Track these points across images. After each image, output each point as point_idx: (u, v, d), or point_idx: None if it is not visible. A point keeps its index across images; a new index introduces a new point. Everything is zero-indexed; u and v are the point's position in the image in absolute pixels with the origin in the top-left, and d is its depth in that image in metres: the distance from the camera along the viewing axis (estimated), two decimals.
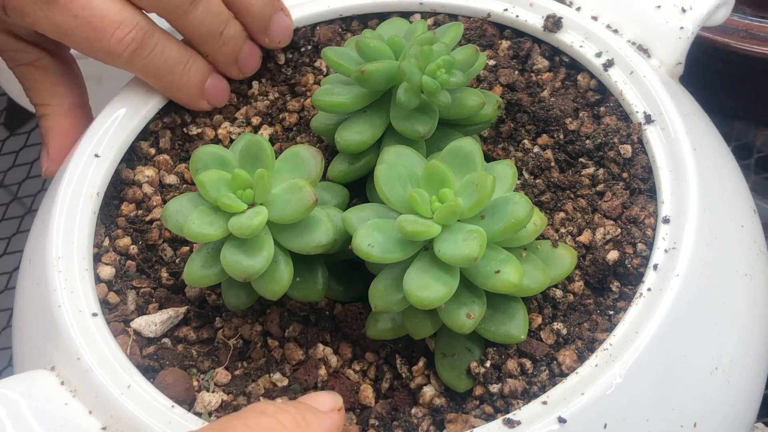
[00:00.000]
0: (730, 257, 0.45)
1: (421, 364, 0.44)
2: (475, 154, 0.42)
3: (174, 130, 0.52)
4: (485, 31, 0.53)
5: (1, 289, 0.73)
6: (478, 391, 0.43)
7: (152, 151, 0.51)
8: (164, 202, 0.50)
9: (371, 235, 0.41)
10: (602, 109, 0.50)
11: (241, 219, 0.42)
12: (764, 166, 0.66)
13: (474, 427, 0.40)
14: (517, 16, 0.53)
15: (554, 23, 0.52)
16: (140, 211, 0.50)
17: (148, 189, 0.50)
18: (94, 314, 0.44)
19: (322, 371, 0.45)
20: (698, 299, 0.43)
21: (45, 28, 0.48)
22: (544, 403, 0.40)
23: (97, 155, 0.49)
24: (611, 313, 0.44)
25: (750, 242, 0.47)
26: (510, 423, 0.40)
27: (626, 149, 0.48)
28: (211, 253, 0.43)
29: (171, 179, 0.51)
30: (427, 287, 0.40)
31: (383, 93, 0.46)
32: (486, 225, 0.41)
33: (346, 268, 0.46)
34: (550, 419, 0.39)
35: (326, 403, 0.38)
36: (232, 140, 0.52)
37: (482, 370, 0.43)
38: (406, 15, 0.54)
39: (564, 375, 0.42)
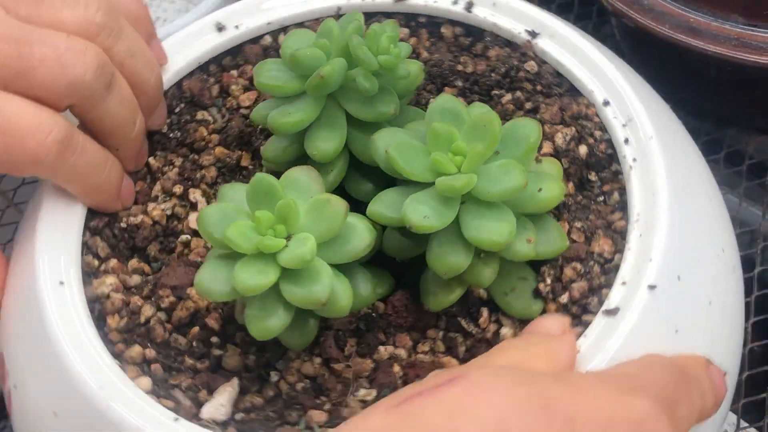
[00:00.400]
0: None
1: (485, 314, 0.46)
2: (458, 106, 0.45)
3: (103, 233, 0.49)
4: None
5: None
6: (552, 307, 0.45)
7: (96, 262, 0.48)
8: (144, 299, 0.47)
9: (419, 209, 0.42)
10: (482, 46, 0.54)
11: (289, 253, 0.41)
12: (757, 172, 0.67)
13: (579, 335, 0.43)
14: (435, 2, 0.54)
15: None
16: (127, 318, 0.47)
17: (119, 296, 0.47)
18: (176, 419, 0.41)
19: (397, 368, 0.45)
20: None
21: None
22: (624, 283, 0.43)
23: (61, 282, 0.46)
24: (605, 197, 0.48)
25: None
26: (610, 312, 0.42)
27: (531, 65, 0.52)
28: (267, 298, 0.42)
29: (134, 279, 0.48)
30: (492, 230, 0.42)
31: (328, 97, 0.47)
32: (507, 156, 0.43)
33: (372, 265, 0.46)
34: (641, 292, 0.43)
35: (556, 327, 0.39)
36: (172, 216, 0.50)
37: (549, 287, 0.45)
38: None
39: (611, 260, 0.46)
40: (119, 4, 0.49)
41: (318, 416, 0.43)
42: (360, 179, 0.47)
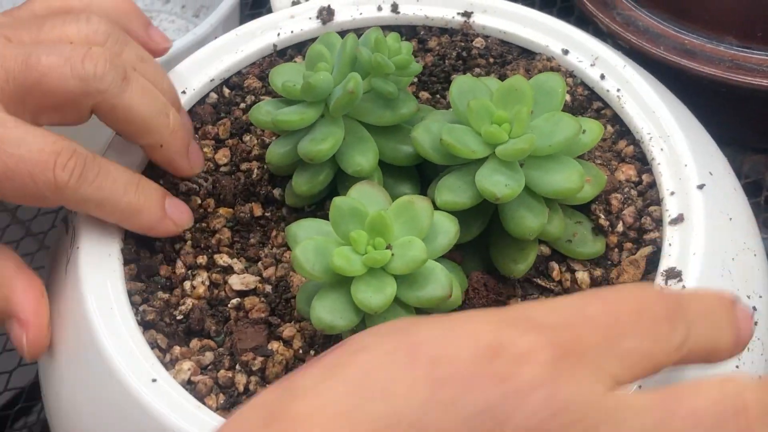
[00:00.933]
0: None
1: (556, 267, 0.48)
2: (476, 82, 0.46)
3: (158, 326, 0.47)
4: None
5: None
6: (614, 239, 0.48)
7: (162, 355, 0.46)
8: (229, 370, 0.45)
9: (497, 181, 0.43)
10: (418, 41, 0.56)
11: (400, 261, 0.41)
12: (752, 191, 0.66)
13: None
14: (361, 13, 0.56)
15: (328, 13, 0.56)
16: (225, 394, 0.45)
17: (204, 377, 0.45)
18: None
19: None
20: None
21: None
22: (672, 193, 0.47)
23: (154, 380, 0.43)
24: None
25: None
26: (675, 221, 0.46)
27: (479, 41, 0.55)
28: (389, 312, 0.42)
29: (207, 357, 0.46)
30: (563, 179, 0.44)
31: (344, 116, 0.47)
32: (543, 110, 0.46)
33: None
34: (693, 193, 0.46)
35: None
36: (211, 285, 0.48)
37: (607, 221, 0.48)
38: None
39: (640, 182, 0.49)
40: (109, 9, 0.48)
41: None
42: (396, 183, 0.48)
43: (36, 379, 0.64)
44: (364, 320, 0.42)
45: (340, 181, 0.47)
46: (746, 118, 0.64)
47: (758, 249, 0.48)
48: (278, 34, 0.56)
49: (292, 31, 0.56)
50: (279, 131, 0.49)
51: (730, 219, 0.47)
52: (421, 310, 0.42)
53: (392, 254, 0.41)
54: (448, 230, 0.43)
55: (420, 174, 0.49)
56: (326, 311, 0.41)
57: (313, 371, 0.32)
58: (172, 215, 0.48)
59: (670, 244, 0.45)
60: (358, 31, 0.56)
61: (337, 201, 0.42)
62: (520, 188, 0.43)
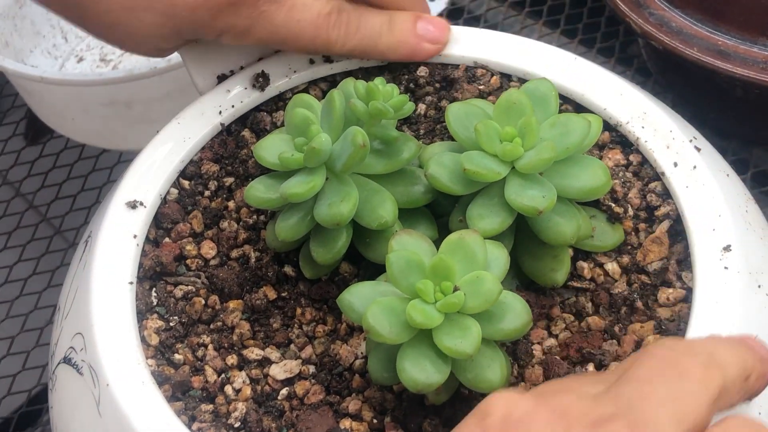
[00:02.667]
0: None
1: (585, 265, 0.48)
2: (468, 106, 0.46)
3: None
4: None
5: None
6: (628, 224, 0.48)
7: None
8: None
9: (533, 196, 0.43)
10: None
11: (475, 299, 0.40)
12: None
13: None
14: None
15: (264, 79, 0.54)
16: None
17: None
18: None
19: (558, 357, 0.46)
20: None
21: (268, 40, 0.51)
22: (676, 165, 0.48)
23: None
24: None
25: None
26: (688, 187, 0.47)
27: (423, 70, 0.54)
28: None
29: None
30: (591, 177, 0.44)
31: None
32: (543, 115, 0.46)
33: None
34: (690, 152, 0.48)
35: None
36: (252, 382, 0.45)
37: (621, 208, 0.48)
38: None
39: (630, 163, 0.50)
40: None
41: None
42: (412, 226, 0.46)
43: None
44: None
45: (358, 239, 0.46)
46: None
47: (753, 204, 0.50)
48: (220, 112, 0.53)
49: (233, 106, 0.53)
50: (276, 207, 0.47)
51: (727, 175, 0.49)
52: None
53: (464, 294, 0.40)
54: (499, 257, 0.42)
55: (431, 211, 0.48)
56: (418, 370, 0.40)
57: None
58: (427, 37, 0.52)
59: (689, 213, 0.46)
60: (294, 90, 0.55)
61: (392, 257, 0.40)
62: (555, 196, 0.43)
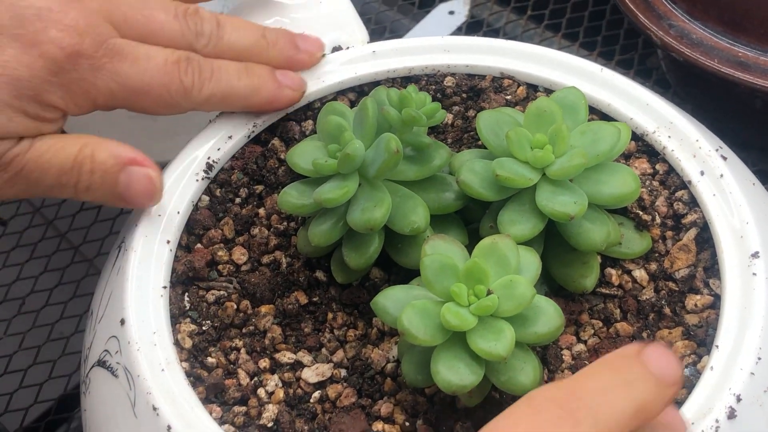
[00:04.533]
0: None
1: (613, 272, 0.48)
2: (500, 115, 0.47)
3: None
4: None
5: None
6: (656, 232, 0.49)
7: None
8: None
9: (565, 202, 0.44)
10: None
11: (507, 303, 0.41)
12: None
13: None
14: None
15: None
16: None
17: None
18: None
19: (587, 363, 0.46)
20: None
21: (119, 94, 0.49)
22: (703, 174, 0.49)
23: None
24: None
25: None
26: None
27: (450, 80, 0.55)
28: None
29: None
30: (621, 183, 0.45)
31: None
32: (572, 123, 0.46)
33: None
34: (717, 162, 0.48)
35: None
36: (285, 384, 0.46)
37: (649, 216, 0.49)
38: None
39: (657, 172, 0.51)
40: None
41: None
42: (442, 232, 0.47)
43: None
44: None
45: (390, 245, 0.46)
46: None
47: None
48: (250, 121, 0.54)
49: (262, 116, 0.54)
50: (309, 213, 0.47)
51: (753, 184, 0.50)
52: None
53: (497, 298, 0.41)
54: (531, 262, 0.43)
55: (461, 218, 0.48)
56: (452, 373, 0.40)
57: None
58: (286, 83, 0.52)
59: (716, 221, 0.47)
60: (322, 100, 0.55)
61: (426, 261, 0.41)
62: (586, 201, 0.44)
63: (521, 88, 0.54)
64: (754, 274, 0.45)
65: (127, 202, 0.49)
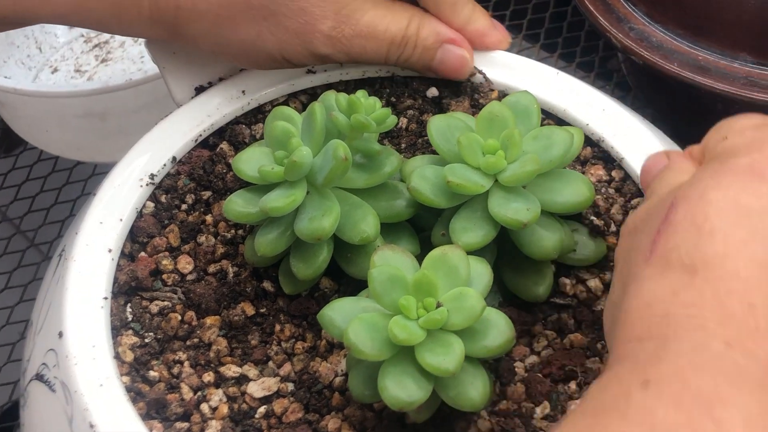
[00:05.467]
0: None
1: (567, 281, 0.47)
2: (451, 120, 0.46)
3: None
4: None
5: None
6: (612, 240, 0.48)
7: None
8: None
9: (518, 209, 0.42)
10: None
11: (458, 315, 0.39)
12: None
13: None
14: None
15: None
16: None
17: None
18: None
19: (540, 376, 0.45)
20: None
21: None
22: None
23: None
24: None
25: None
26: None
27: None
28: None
29: None
30: (575, 191, 0.44)
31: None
32: (524, 128, 0.45)
33: None
34: None
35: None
36: (230, 400, 0.44)
37: (602, 222, 0.48)
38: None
39: (612, 179, 0.50)
40: None
41: None
42: (393, 241, 0.46)
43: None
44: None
45: (339, 254, 0.45)
46: None
47: None
48: (197, 125, 0.52)
49: (210, 118, 0.52)
50: (255, 222, 0.46)
51: None
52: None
53: (447, 311, 0.39)
54: (482, 273, 0.42)
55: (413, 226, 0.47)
56: (400, 388, 0.39)
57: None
58: (500, 28, 0.54)
59: None
60: (273, 103, 0.54)
61: (375, 273, 0.40)
62: (539, 208, 0.43)
63: (495, 92, 0.53)
64: None
65: (437, 73, 0.53)
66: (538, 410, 0.44)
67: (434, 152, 0.49)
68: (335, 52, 0.50)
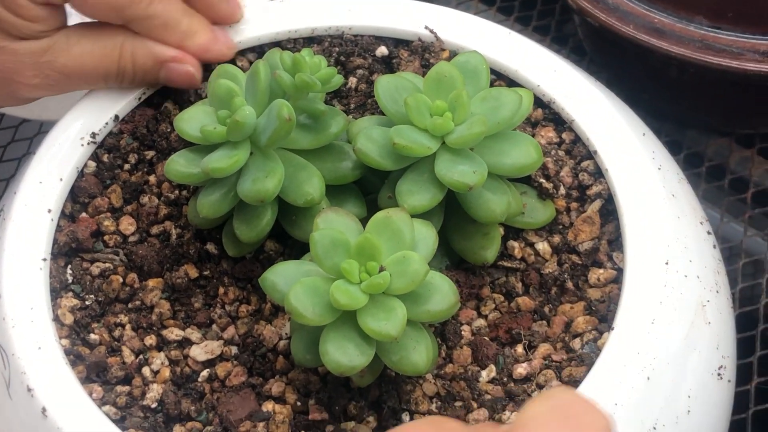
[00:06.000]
0: None
1: (516, 244, 0.47)
2: (399, 80, 0.45)
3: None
4: None
5: None
6: (561, 203, 0.47)
7: None
8: None
9: (464, 172, 0.42)
10: None
11: (400, 276, 0.39)
12: (715, 174, 0.64)
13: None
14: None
15: None
16: None
17: None
18: None
19: (487, 339, 0.45)
20: None
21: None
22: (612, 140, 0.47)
23: None
24: None
25: None
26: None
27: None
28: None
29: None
30: (522, 153, 0.44)
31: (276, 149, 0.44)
32: (474, 89, 0.44)
33: None
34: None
35: None
36: (172, 363, 0.44)
37: (551, 184, 0.47)
38: None
39: (563, 141, 0.49)
40: None
41: (479, 414, 0.42)
42: (340, 203, 0.45)
43: None
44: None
45: (284, 216, 0.44)
46: (713, 101, 0.63)
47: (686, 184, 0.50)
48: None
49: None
50: (198, 183, 0.45)
51: (654, 158, 0.48)
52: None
53: (390, 275, 0.39)
54: (427, 237, 0.41)
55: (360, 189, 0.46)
56: (341, 353, 0.38)
57: None
58: (221, 38, 0.51)
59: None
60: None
61: (317, 236, 0.39)
62: (486, 171, 0.42)
63: (446, 51, 0.52)
64: (657, 248, 0.43)
65: (169, 85, 0.51)
66: (483, 373, 0.43)
67: (383, 113, 0.49)
68: (55, 92, 0.49)
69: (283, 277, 0.40)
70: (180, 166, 0.44)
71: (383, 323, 0.38)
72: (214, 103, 0.44)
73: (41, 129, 0.75)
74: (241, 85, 0.44)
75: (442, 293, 0.40)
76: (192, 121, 0.44)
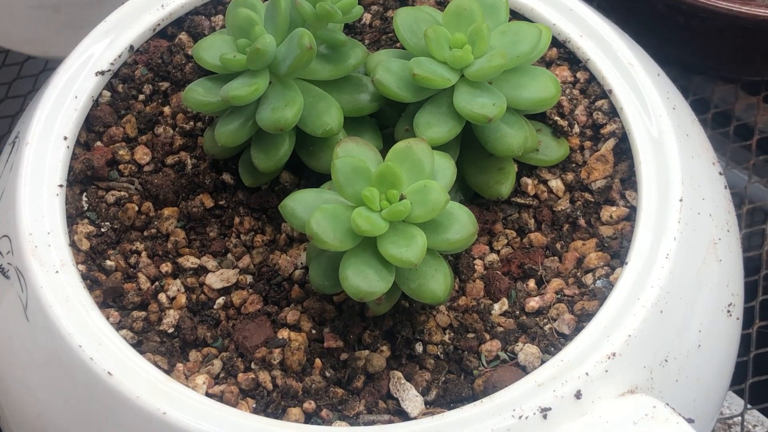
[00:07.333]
0: None
1: (528, 181, 0.47)
2: (419, 12, 0.45)
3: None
4: None
5: None
6: (575, 141, 0.48)
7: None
8: (249, 371, 0.42)
9: (483, 104, 0.42)
10: None
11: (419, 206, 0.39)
12: (720, 121, 0.65)
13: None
14: None
15: None
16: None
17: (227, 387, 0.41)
18: None
19: (499, 273, 0.45)
20: None
21: None
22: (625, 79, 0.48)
23: None
24: None
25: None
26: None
27: None
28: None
29: (216, 366, 0.42)
30: (542, 87, 0.44)
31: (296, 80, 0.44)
32: (493, 23, 0.44)
33: None
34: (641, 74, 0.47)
35: None
36: (188, 289, 0.44)
37: (566, 122, 0.48)
38: None
39: (577, 81, 0.49)
40: None
41: (491, 345, 0.43)
42: (356, 135, 0.45)
43: None
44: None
45: (301, 147, 0.44)
46: (720, 47, 0.63)
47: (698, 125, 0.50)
48: (154, 13, 0.51)
49: (163, 7, 0.51)
50: (216, 112, 0.45)
51: (669, 99, 0.49)
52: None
53: (410, 203, 0.39)
54: (446, 167, 0.41)
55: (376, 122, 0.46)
56: (361, 279, 0.39)
57: None
58: None
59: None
60: None
61: (338, 163, 0.39)
62: (505, 104, 0.42)
63: None
64: (670, 186, 0.44)
65: None
66: (496, 306, 0.44)
67: (399, 48, 0.49)
68: None
69: (303, 204, 0.40)
70: (198, 94, 0.44)
71: (404, 249, 0.38)
72: (233, 32, 0.44)
73: (47, 66, 0.75)
74: (261, 14, 0.44)
75: (461, 223, 0.40)
76: (211, 49, 0.44)
